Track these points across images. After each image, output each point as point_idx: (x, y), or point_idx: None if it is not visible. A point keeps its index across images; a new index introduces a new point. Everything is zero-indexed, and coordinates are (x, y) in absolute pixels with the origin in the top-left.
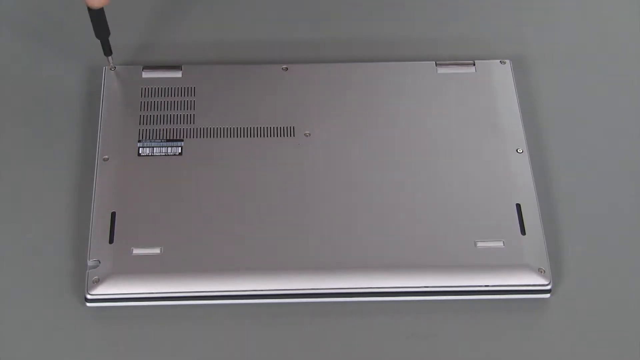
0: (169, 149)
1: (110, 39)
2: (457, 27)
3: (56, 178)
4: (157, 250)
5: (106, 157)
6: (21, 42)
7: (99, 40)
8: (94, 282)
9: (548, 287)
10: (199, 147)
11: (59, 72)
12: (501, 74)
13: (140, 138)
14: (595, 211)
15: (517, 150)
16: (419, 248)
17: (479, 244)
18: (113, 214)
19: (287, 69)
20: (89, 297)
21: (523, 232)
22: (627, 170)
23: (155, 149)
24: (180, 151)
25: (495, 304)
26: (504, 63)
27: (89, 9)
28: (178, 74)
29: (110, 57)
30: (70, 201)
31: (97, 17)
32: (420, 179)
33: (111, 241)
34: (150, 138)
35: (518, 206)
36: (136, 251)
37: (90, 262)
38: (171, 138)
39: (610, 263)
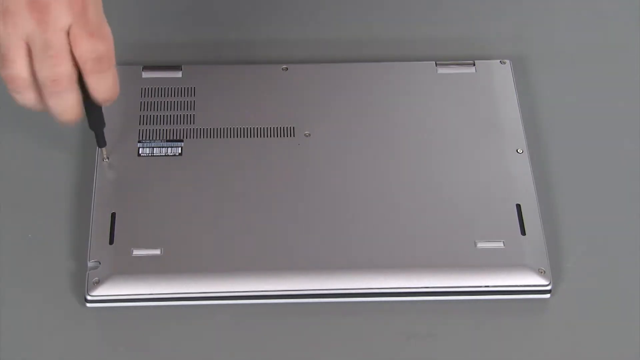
0: (169, 149)
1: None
2: (457, 27)
3: (56, 178)
4: (157, 251)
5: (106, 157)
6: None
7: (93, 132)
8: (94, 284)
9: (548, 288)
10: (199, 147)
11: None
12: (501, 74)
13: (140, 138)
14: (595, 211)
15: (517, 150)
16: (419, 248)
17: (479, 244)
18: (113, 215)
19: (287, 69)
20: (89, 298)
21: (523, 232)
22: (627, 170)
23: (155, 149)
24: (180, 151)
25: (495, 304)
26: (504, 63)
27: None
28: (178, 74)
29: (104, 149)
30: (70, 201)
31: (94, 108)
32: (420, 179)
33: (111, 242)
34: (150, 138)
35: (518, 206)
36: (136, 252)
37: (90, 263)
38: (171, 138)
39: (610, 263)
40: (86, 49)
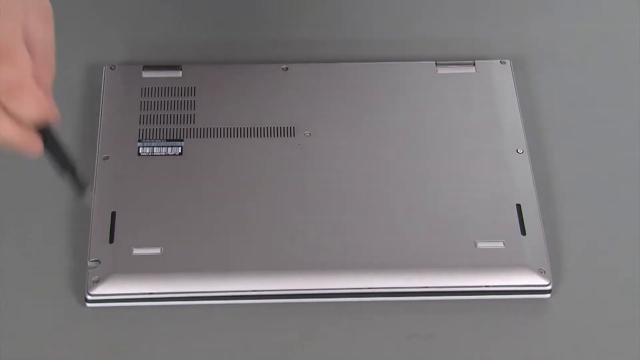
0: (169, 149)
1: (111, 38)
2: (457, 27)
3: (56, 177)
4: (157, 250)
5: (106, 156)
6: None
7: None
8: (94, 282)
9: (548, 288)
10: (199, 147)
11: (58, 71)
12: (501, 74)
13: (140, 138)
14: (595, 211)
15: (517, 151)
16: (419, 248)
17: (479, 244)
18: (113, 214)
19: (287, 69)
20: (89, 297)
21: (523, 232)
22: (627, 170)
23: (155, 149)
24: (180, 151)
25: (496, 304)
26: (504, 63)
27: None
28: (178, 74)
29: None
30: (71, 201)
31: (51, 146)
32: (421, 179)
33: (111, 241)
34: (150, 138)
35: (518, 206)
36: (136, 251)
37: (90, 262)
38: (171, 138)
39: (610, 263)
40: None
